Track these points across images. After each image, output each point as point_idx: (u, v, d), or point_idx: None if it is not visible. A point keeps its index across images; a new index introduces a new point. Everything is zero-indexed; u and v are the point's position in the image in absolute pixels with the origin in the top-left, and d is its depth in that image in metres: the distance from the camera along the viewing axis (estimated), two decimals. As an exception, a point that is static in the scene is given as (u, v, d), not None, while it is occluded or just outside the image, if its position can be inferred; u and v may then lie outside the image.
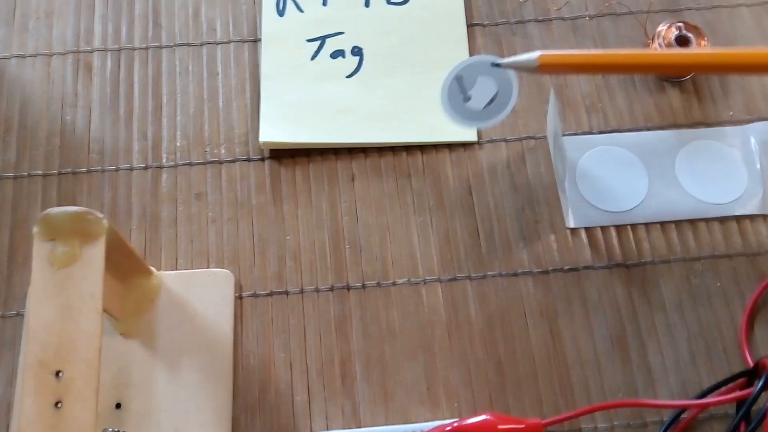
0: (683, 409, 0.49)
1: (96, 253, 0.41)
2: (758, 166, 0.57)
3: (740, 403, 0.47)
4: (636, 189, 0.57)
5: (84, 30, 0.64)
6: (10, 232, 0.56)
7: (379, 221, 0.56)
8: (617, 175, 0.57)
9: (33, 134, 0.60)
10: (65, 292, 0.41)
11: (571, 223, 0.55)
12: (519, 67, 0.48)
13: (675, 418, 0.49)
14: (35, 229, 0.42)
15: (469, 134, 0.59)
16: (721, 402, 0.48)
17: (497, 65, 0.49)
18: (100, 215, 0.42)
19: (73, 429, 0.38)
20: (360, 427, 0.50)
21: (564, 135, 0.57)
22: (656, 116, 0.60)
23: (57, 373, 0.39)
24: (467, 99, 0.52)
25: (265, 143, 0.58)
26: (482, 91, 0.52)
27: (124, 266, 0.49)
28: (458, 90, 0.52)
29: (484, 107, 0.52)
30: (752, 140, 0.58)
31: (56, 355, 0.39)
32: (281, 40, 0.62)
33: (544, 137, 0.59)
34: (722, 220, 0.56)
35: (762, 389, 0.45)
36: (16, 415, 0.49)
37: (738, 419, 0.45)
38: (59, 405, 0.38)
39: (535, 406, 0.51)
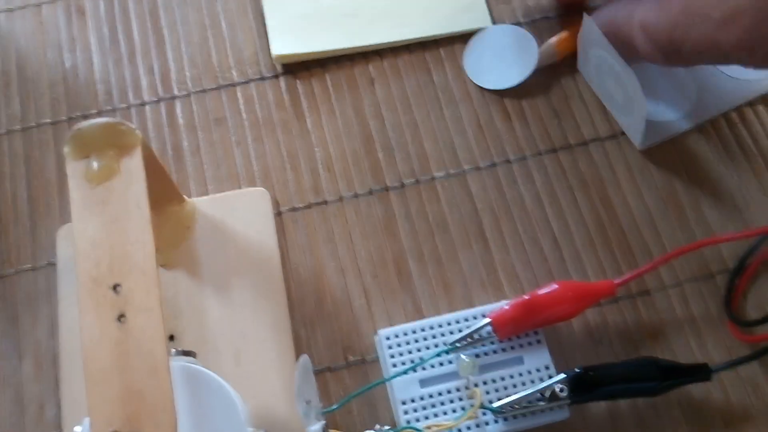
0: (748, 253, 0.47)
1: (135, 164, 0.39)
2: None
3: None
4: (684, 91, 0.54)
5: (70, -25, 0.61)
6: (27, 184, 0.54)
7: (408, 120, 0.54)
8: (663, 84, 0.55)
9: (35, 85, 0.57)
10: (109, 206, 0.39)
11: (641, 145, 0.53)
12: None
13: (741, 263, 0.47)
14: (66, 149, 0.40)
15: (482, 20, 0.57)
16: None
17: None
18: (133, 125, 0.40)
19: (141, 340, 0.36)
20: (424, 318, 0.48)
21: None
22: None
23: (115, 287, 0.37)
24: None
25: (278, 57, 0.56)
26: None
27: (157, 191, 0.46)
28: None
29: None
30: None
31: (110, 270, 0.37)
32: (275, -50, 0.60)
33: (558, 17, 0.57)
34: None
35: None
36: (66, 363, 0.47)
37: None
38: (122, 319, 0.36)
39: (598, 275, 0.49)
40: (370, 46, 0.57)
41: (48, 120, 0.56)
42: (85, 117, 0.56)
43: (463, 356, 0.44)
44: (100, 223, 0.38)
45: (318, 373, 0.47)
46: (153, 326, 0.36)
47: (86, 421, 0.36)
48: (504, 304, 0.45)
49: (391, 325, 0.48)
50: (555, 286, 0.45)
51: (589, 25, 0.50)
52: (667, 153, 0.52)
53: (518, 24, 0.57)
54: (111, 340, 0.36)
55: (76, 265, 0.37)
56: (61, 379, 0.47)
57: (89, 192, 0.39)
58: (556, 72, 0.55)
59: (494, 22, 0.57)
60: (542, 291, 0.44)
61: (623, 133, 0.53)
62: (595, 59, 0.51)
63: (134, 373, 0.35)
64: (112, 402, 0.34)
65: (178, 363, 0.40)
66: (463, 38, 0.57)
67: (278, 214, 0.52)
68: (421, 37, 0.57)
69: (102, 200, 0.39)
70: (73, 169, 0.40)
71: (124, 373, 0.35)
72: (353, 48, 0.56)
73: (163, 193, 0.48)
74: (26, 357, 0.49)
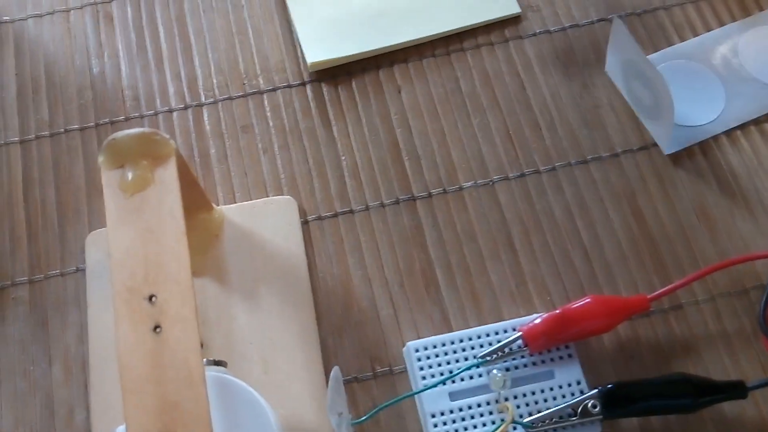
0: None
1: (169, 174, 0.39)
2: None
3: None
4: (713, 95, 0.54)
5: (97, -20, 0.61)
6: (56, 190, 0.54)
7: (435, 128, 0.54)
8: (690, 89, 0.55)
9: (63, 90, 0.57)
10: (143, 216, 0.39)
11: (669, 149, 0.52)
12: None
13: (775, 279, 0.47)
14: (101, 158, 0.40)
15: (510, 6, 0.57)
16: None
17: None
18: (167, 135, 0.40)
19: (177, 351, 0.36)
20: (452, 331, 0.47)
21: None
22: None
23: (150, 298, 0.37)
24: None
25: (313, 65, 0.56)
26: None
27: (188, 199, 0.46)
28: None
29: None
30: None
31: (145, 280, 0.37)
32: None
33: (588, 23, 0.57)
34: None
35: None
36: (95, 368, 0.47)
37: None
38: (158, 329, 0.36)
39: (630, 288, 0.49)
40: (402, 43, 0.57)
41: (76, 126, 0.56)
42: (113, 123, 0.56)
43: (495, 370, 0.43)
44: (134, 233, 0.38)
45: (345, 383, 0.47)
46: (188, 337, 0.36)
47: (121, 429, 0.36)
48: (535, 318, 0.45)
49: (419, 336, 0.47)
50: (588, 299, 0.44)
51: (619, 27, 0.49)
52: (698, 162, 0.52)
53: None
54: (146, 350, 0.36)
55: (111, 275, 0.37)
56: (91, 384, 0.47)
57: (124, 202, 0.39)
58: (584, 80, 0.55)
59: (521, 11, 0.57)
60: (575, 304, 0.44)
61: (654, 144, 0.52)
62: (624, 62, 0.51)
63: (170, 384, 0.35)
64: (148, 412, 0.34)
65: (210, 373, 0.40)
66: (492, 45, 0.57)
67: (305, 223, 0.52)
68: (450, 29, 0.57)
69: (136, 210, 0.39)
70: (108, 179, 0.40)
71: (159, 383, 0.35)
72: (385, 48, 0.57)
73: (193, 201, 0.48)
74: (56, 362, 0.49)
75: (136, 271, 0.37)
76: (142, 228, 0.38)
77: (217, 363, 0.41)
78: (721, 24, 0.56)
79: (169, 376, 0.35)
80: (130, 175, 0.39)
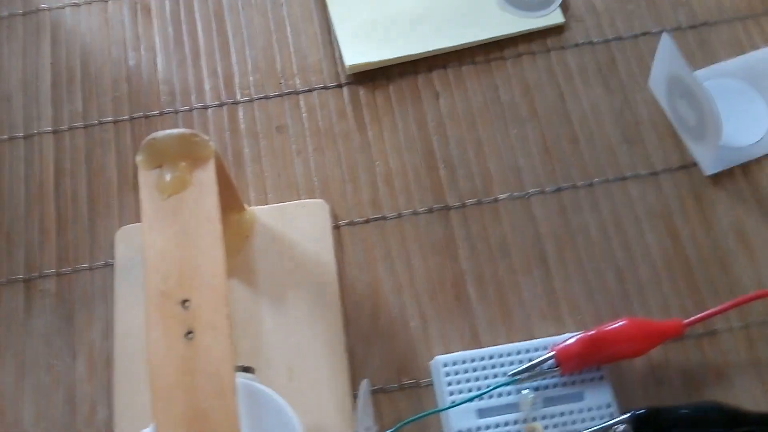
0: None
1: (207, 176, 0.39)
2: None
3: None
4: (757, 117, 0.53)
5: (137, -28, 0.61)
6: (88, 182, 0.53)
7: (472, 137, 0.53)
8: (734, 109, 0.53)
9: (98, 82, 0.57)
10: (179, 219, 0.38)
11: (711, 170, 0.51)
12: None
13: (814, 310, 0.46)
14: (139, 158, 0.39)
15: (555, 17, 0.57)
16: None
17: None
18: (206, 137, 0.39)
19: (209, 360, 0.35)
20: (481, 347, 0.47)
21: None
22: (744, 6, 0.57)
23: (183, 303, 0.36)
24: None
25: (352, 67, 0.55)
26: None
27: (222, 200, 0.46)
28: None
29: None
30: None
31: (179, 284, 0.37)
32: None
33: (633, 36, 0.56)
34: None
35: None
36: (120, 365, 0.46)
37: None
38: (190, 335, 0.36)
39: (662, 311, 0.48)
40: (442, 49, 0.56)
41: (110, 118, 0.56)
42: (147, 117, 0.55)
43: (525, 390, 0.43)
44: (170, 235, 0.38)
45: (371, 394, 0.46)
46: (221, 346, 0.35)
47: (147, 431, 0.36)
48: (568, 337, 0.44)
49: (447, 349, 0.47)
50: (623, 322, 0.44)
51: (667, 43, 0.49)
52: (738, 184, 0.51)
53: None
54: (178, 357, 0.35)
55: (145, 278, 0.37)
56: (115, 381, 0.47)
57: (160, 203, 0.39)
58: (626, 94, 0.54)
59: (565, 20, 0.57)
60: (611, 326, 0.44)
61: (695, 164, 0.52)
62: (670, 79, 0.50)
63: (200, 392, 0.34)
64: (177, 419, 0.34)
65: (238, 380, 0.39)
66: (533, 55, 0.56)
67: (336, 227, 0.51)
68: (492, 37, 0.56)
69: (173, 212, 0.38)
70: (146, 179, 0.39)
71: (190, 391, 0.34)
72: (424, 53, 0.56)
73: (227, 202, 0.47)
74: (80, 356, 0.48)
75: (170, 274, 0.37)
76: (178, 230, 0.38)
77: (245, 369, 0.41)
78: (752, 16, 0.55)
79: (200, 384, 0.34)
80: (168, 176, 0.39)
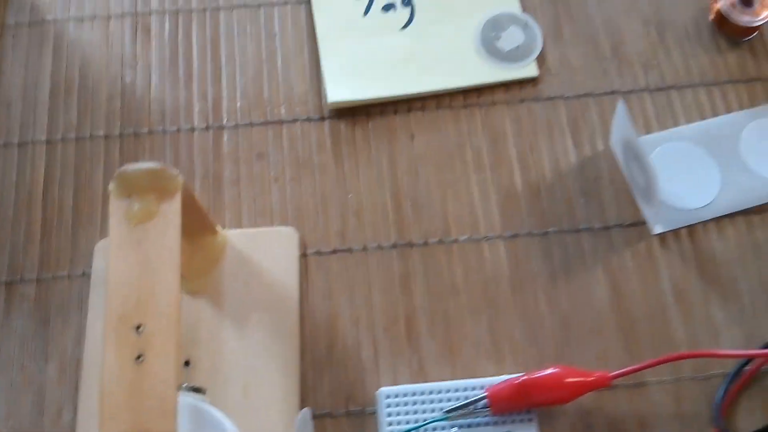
0: (747, 359, 0.49)
1: (173, 209, 0.42)
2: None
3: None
4: (709, 181, 0.56)
5: (141, -8, 0.64)
6: (74, 193, 0.57)
7: (440, 178, 0.56)
8: (687, 171, 0.56)
9: (94, 96, 0.60)
10: (143, 247, 0.41)
11: (658, 229, 0.54)
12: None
13: (739, 370, 0.49)
14: (111, 186, 0.42)
15: (529, 70, 0.59)
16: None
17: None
18: (176, 171, 0.43)
19: (155, 383, 0.39)
20: (427, 381, 0.50)
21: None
22: (711, 72, 0.60)
23: (137, 328, 0.40)
24: (497, 38, 0.59)
25: (333, 104, 0.58)
26: (511, 37, 0.60)
27: (193, 225, 0.49)
28: (491, 28, 0.61)
29: (509, 50, 0.60)
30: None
31: (136, 309, 0.40)
32: (331, 0, 0.62)
33: (602, 94, 0.59)
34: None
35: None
36: (87, 372, 0.50)
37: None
38: (140, 359, 0.39)
39: (600, 361, 0.51)
40: (421, 93, 0.59)
41: (102, 133, 0.59)
42: (137, 135, 0.59)
43: (456, 428, 0.46)
44: (133, 263, 0.41)
45: (319, 417, 0.49)
46: (167, 370, 0.39)
47: None
48: (504, 379, 0.47)
49: (395, 381, 0.50)
50: (553, 370, 0.47)
51: (622, 109, 0.52)
52: (683, 245, 0.54)
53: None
54: (127, 379, 0.38)
55: (106, 301, 0.40)
56: (81, 387, 0.50)
57: (127, 231, 0.42)
58: (589, 150, 0.57)
59: (538, 76, 0.60)
60: (540, 374, 0.47)
61: (644, 223, 0.54)
62: (624, 142, 0.53)
63: (144, 413, 0.38)
64: (120, 437, 0.37)
65: (187, 399, 0.43)
66: (506, 104, 0.59)
67: (303, 256, 0.54)
68: (469, 84, 0.60)
69: (138, 240, 0.42)
70: (116, 207, 0.42)
71: (135, 412, 0.38)
72: (403, 95, 0.59)
73: (199, 224, 0.51)
74: (52, 360, 0.52)
75: (128, 299, 0.40)
76: (141, 259, 0.41)
77: (196, 390, 0.44)
78: (729, 111, 0.58)
79: (145, 406, 0.38)
80: (136, 206, 0.42)
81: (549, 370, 0.47)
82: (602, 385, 0.47)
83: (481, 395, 0.46)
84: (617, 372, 0.47)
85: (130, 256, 0.41)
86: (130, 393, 0.38)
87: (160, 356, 0.39)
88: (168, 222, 0.42)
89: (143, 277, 0.41)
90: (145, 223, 0.42)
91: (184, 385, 0.44)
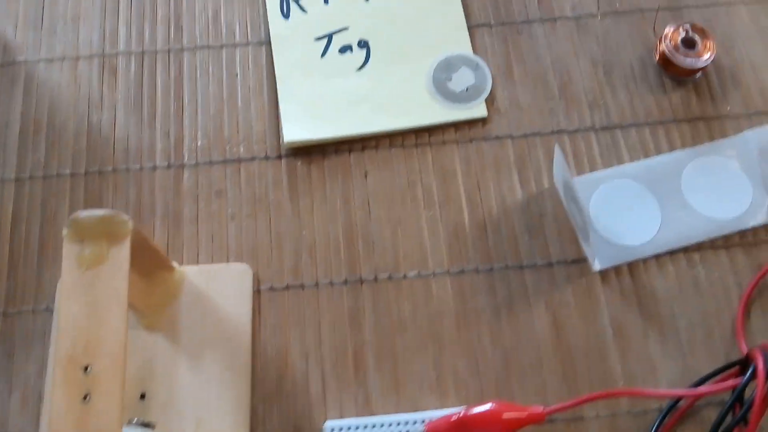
0: (681, 398, 0.51)
1: (122, 254, 0.44)
2: (760, 174, 0.59)
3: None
4: (650, 218, 0.58)
5: (109, 33, 0.66)
6: (40, 230, 0.59)
7: (391, 215, 0.59)
8: (629, 209, 0.59)
9: (61, 135, 0.63)
10: (93, 291, 0.43)
11: (597, 266, 0.57)
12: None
13: (673, 406, 0.51)
14: (65, 231, 0.45)
15: (479, 111, 0.62)
16: (713, 392, 0.50)
17: None
18: (126, 217, 0.45)
19: (100, 421, 0.41)
20: (372, 415, 0.52)
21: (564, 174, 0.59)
22: (656, 112, 0.62)
23: (85, 368, 0.42)
24: (448, 79, 0.61)
25: (289, 143, 0.60)
26: (462, 78, 0.63)
27: (149, 263, 0.51)
28: (443, 69, 0.63)
29: (460, 92, 0.62)
30: (752, 148, 0.60)
31: (84, 351, 0.42)
32: (290, 42, 0.65)
33: (549, 133, 0.61)
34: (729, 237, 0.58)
35: (749, 380, 0.47)
36: (46, 407, 0.52)
37: (726, 409, 0.48)
38: (87, 398, 0.41)
39: (539, 395, 0.53)
40: (375, 133, 0.62)
41: (68, 171, 0.61)
42: (101, 173, 0.61)
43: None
44: (83, 305, 0.43)
45: (268, 448, 0.51)
46: (112, 411, 0.41)
47: None
48: (444, 413, 0.49)
49: (342, 414, 0.52)
50: (489, 405, 0.49)
51: (558, 151, 0.54)
52: (624, 282, 0.56)
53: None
54: (74, 418, 0.41)
55: (56, 342, 0.42)
56: (42, 418, 0.52)
57: (78, 275, 0.44)
58: (534, 188, 0.59)
59: (487, 115, 0.62)
60: (476, 409, 0.49)
61: (586, 260, 0.57)
62: (563, 182, 0.56)
63: (88, 451, 0.40)
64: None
65: (135, 435, 0.45)
66: (456, 143, 0.61)
67: (257, 291, 0.57)
68: (422, 124, 0.62)
69: (89, 284, 0.44)
70: (68, 251, 0.45)
71: (80, 450, 0.40)
72: (358, 135, 0.61)
73: (154, 263, 0.53)
74: (15, 391, 0.54)
75: (77, 341, 0.42)
76: (90, 301, 0.43)
77: (146, 425, 0.46)
78: (672, 149, 0.60)
79: (90, 444, 0.40)
80: (87, 251, 0.44)
81: (486, 406, 0.49)
82: (537, 420, 0.49)
83: (421, 430, 0.48)
84: (551, 408, 0.49)
85: (81, 299, 0.43)
86: (76, 431, 0.40)
87: (106, 395, 0.41)
88: (117, 266, 0.44)
89: (92, 319, 0.43)
90: (95, 268, 0.44)
91: (135, 420, 0.47)
